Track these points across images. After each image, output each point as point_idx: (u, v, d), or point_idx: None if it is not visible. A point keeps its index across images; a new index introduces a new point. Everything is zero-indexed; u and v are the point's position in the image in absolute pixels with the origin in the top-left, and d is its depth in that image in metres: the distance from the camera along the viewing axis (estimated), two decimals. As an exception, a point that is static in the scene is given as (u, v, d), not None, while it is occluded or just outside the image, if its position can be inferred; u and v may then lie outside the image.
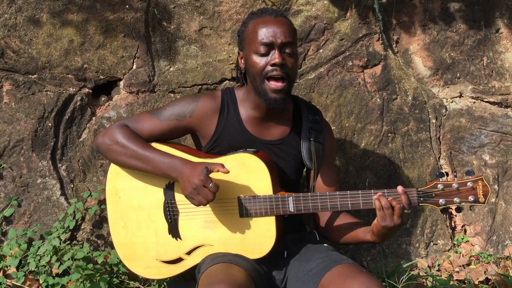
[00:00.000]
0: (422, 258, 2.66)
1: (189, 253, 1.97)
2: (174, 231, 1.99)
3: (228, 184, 1.90)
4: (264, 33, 1.91)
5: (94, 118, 2.59)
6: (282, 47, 1.91)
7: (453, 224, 2.77)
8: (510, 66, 2.89)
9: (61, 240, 2.27)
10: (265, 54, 1.91)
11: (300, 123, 2.08)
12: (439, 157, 2.78)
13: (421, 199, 1.81)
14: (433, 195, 1.80)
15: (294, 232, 2.10)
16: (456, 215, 2.77)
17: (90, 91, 2.60)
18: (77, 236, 2.52)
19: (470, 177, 1.77)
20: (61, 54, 2.55)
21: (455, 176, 1.80)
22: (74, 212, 2.40)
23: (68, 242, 2.38)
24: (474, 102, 2.85)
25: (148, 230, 2.00)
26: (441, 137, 2.80)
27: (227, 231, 1.94)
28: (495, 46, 2.87)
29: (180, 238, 1.98)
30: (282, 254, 2.00)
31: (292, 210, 1.89)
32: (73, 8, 2.56)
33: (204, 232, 1.95)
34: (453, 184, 1.78)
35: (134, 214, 2.01)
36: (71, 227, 2.35)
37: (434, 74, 2.85)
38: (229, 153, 1.98)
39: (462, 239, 2.71)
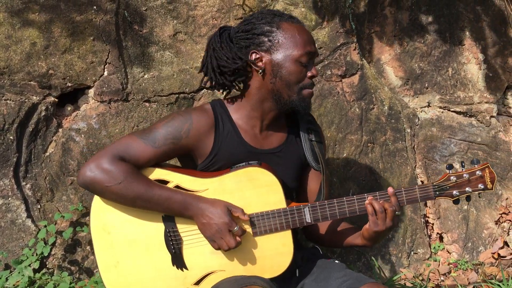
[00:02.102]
0: (405, 267, 2.65)
1: (197, 283, 1.80)
2: (178, 261, 1.81)
3: (237, 202, 1.79)
4: (309, 43, 1.86)
5: (61, 130, 2.34)
6: (314, 59, 1.93)
7: (429, 232, 2.79)
8: (472, 77, 2.99)
9: (32, 269, 1.97)
10: (305, 65, 1.85)
11: (295, 126, 2.03)
12: (415, 166, 2.80)
13: (437, 193, 1.86)
14: (447, 187, 1.86)
15: (298, 249, 1.98)
16: (434, 224, 2.79)
17: (56, 99, 2.33)
18: (47, 263, 2.24)
19: (476, 165, 1.86)
20: (22, 58, 2.28)
21: (463, 166, 1.88)
22: (45, 236, 2.10)
23: (44, 271, 2.08)
24: (442, 112, 2.92)
25: (147, 265, 1.80)
26: (415, 146, 2.84)
27: (240, 252, 1.81)
28: (459, 58, 2.98)
29: (186, 268, 1.81)
30: (293, 273, 1.93)
31: (309, 221, 1.83)
32: (34, 7, 2.31)
33: (214, 257, 1.81)
34: (464, 175, 1.85)
35: (128, 249, 1.80)
36: (46, 254, 2.07)
37: (405, 84, 2.89)
38: (232, 169, 1.85)
39: (439, 247, 2.73)
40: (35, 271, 2.09)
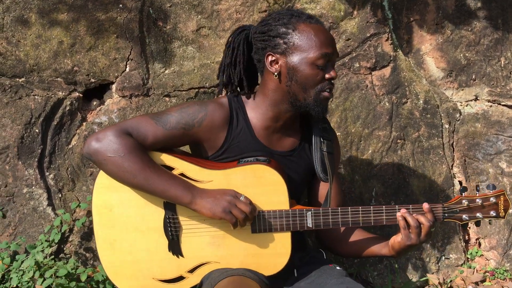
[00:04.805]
0: (432, 273, 2.49)
1: (191, 271, 1.85)
2: (175, 248, 1.86)
3: None
4: (326, 45, 1.81)
5: (84, 123, 2.48)
6: (334, 61, 1.87)
7: (466, 237, 2.57)
8: (530, 67, 2.67)
9: (45, 254, 2.11)
10: (322, 67, 1.81)
11: (309, 133, 2.00)
12: (452, 165, 2.60)
13: (446, 215, 1.82)
14: (458, 210, 1.82)
15: (299, 250, 2.05)
16: (470, 227, 2.56)
17: (81, 95, 2.50)
18: (65, 249, 2.42)
19: (491, 191, 1.81)
20: (50, 56, 2.43)
21: (477, 191, 1.82)
22: (61, 224, 2.24)
23: (53, 256, 2.26)
24: (491, 106, 2.65)
25: (143, 247, 1.87)
26: (454, 143, 2.62)
27: (237, 247, 1.84)
28: (514, 46, 2.66)
29: (181, 256, 1.86)
30: (291, 273, 1.94)
31: (310, 226, 1.82)
32: (63, 7, 2.43)
33: (210, 249, 1.85)
34: (477, 200, 1.80)
35: (127, 229, 1.87)
36: (57, 241, 2.25)
37: (448, 76, 2.66)
38: (240, 162, 1.87)
39: (476, 253, 2.54)
40: (51, 255, 2.24)
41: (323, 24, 1.89)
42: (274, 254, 1.82)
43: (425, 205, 1.78)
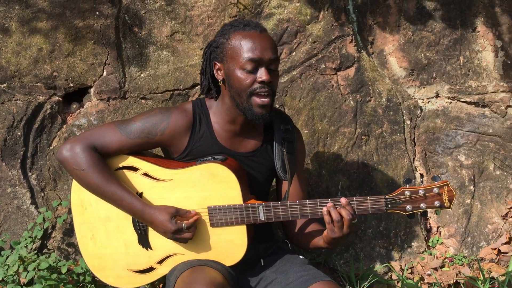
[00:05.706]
0: (395, 261, 2.63)
1: (160, 262, 2.03)
2: (144, 241, 2.04)
3: (198, 194, 1.97)
4: (252, 49, 1.91)
5: (64, 126, 2.61)
6: (268, 64, 1.93)
7: (428, 225, 2.74)
8: (487, 65, 2.85)
9: (29, 249, 2.26)
10: (252, 71, 1.93)
11: (272, 134, 2.15)
12: (413, 159, 2.76)
13: (389, 206, 1.88)
14: (400, 201, 1.87)
15: (265, 241, 2.17)
16: (431, 217, 2.72)
17: (60, 99, 2.63)
18: (48, 244, 2.58)
19: (436, 182, 1.85)
20: (30, 62, 2.55)
21: (422, 182, 1.88)
22: (43, 221, 2.38)
23: (36, 251, 2.39)
24: (451, 102, 2.82)
25: (118, 241, 2.05)
26: (415, 138, 2.78)
27: (198, 240, 2.00)
28: (472, 45, 2.84)
29: (150, 248, 2.03)
30: (258, 262, 2.09)
31: (263, 219, 1.96)
32: (43, 16, 2.55)
33: (175, 242, 2.01)
34: (420, 191, 1.85)
35: (102, 225, 2.05)
36: (39, 237, 2.39)
37: (410, 75, 2.82)
38: (198, 162, 2.02)
39: (437, 240, 2.68)
40: (34, 250, 2.38)
41: (261, 29, 1.98)
42: (232, 246, 1.97)
43: (342, 200, 1.86)
